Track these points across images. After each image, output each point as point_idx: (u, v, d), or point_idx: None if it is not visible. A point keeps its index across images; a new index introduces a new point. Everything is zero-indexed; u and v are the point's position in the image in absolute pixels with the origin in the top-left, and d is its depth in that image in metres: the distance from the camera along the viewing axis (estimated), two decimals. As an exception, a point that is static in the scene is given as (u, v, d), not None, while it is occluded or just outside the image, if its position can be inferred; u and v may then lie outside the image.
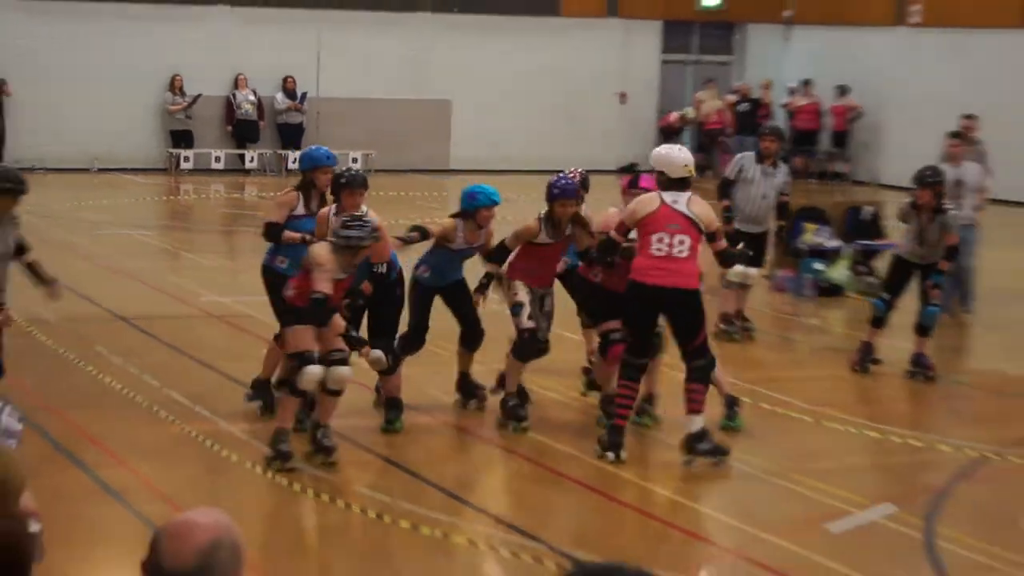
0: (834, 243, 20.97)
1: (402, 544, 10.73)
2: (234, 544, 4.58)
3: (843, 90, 37.08)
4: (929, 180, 16.01)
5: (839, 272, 20.54)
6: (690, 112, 37.78)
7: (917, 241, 16.16)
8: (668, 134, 36.58)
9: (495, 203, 13.49)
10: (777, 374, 16.48)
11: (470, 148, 36.01)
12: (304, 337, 11.85)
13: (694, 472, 12.25)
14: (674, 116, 37.71)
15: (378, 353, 12.61)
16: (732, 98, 37.25)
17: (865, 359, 15.93)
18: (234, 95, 34.42)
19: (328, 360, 11.91)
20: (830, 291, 20.48)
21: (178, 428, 12.99)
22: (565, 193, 13.22)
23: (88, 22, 33.22)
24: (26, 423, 7.05)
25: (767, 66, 39.20)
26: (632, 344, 12.63)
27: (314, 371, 11.79)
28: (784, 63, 39.47)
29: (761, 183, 17.18)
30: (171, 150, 33.99)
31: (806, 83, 37.53)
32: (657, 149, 13.35)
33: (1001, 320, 19.56)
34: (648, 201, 12.53)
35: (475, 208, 13.40)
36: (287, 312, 12.15)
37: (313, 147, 14.09)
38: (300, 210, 13.13)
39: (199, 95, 33.75)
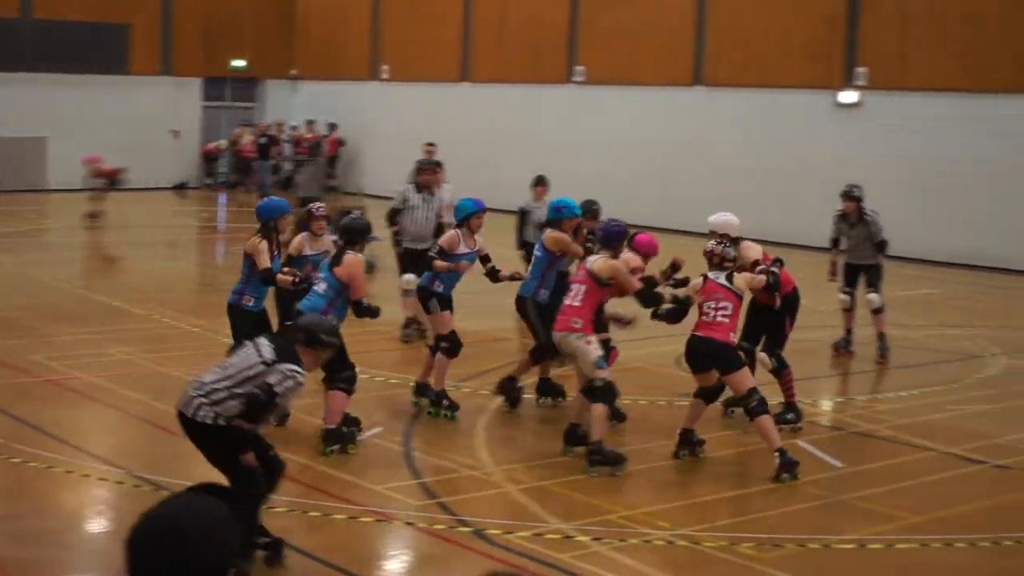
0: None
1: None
2: None
3: (333, 126, 38.05)
4: (854, 194, 15.61)
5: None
6: (223, 143, 38.28)
7: (852, 244, 15.91)
8: (209, 159, 38.64)
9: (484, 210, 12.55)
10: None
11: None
12: None
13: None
14: (212, 145, 38.50)
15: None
16: (255, 133, 37.52)
17: None
18: None
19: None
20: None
21: None
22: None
23: None
24: None
25: (280, 110, 39.75)
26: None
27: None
28: (292, 107, 39.94)
29: (423, 208, 16.14)
30: None
31: (309, 122, 38.08)
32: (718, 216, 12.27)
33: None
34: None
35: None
36: None
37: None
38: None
39: None
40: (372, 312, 11.13)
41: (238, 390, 7.92)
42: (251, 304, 11.67)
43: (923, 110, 27.02)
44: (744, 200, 29.34)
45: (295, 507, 9.44)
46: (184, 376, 11.95)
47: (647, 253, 12.11)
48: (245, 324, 11.33)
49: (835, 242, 16.37)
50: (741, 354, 11.38)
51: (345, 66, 39.34)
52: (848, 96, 28.32)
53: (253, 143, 37.01)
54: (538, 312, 12.57)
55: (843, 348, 16.29)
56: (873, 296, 15.94)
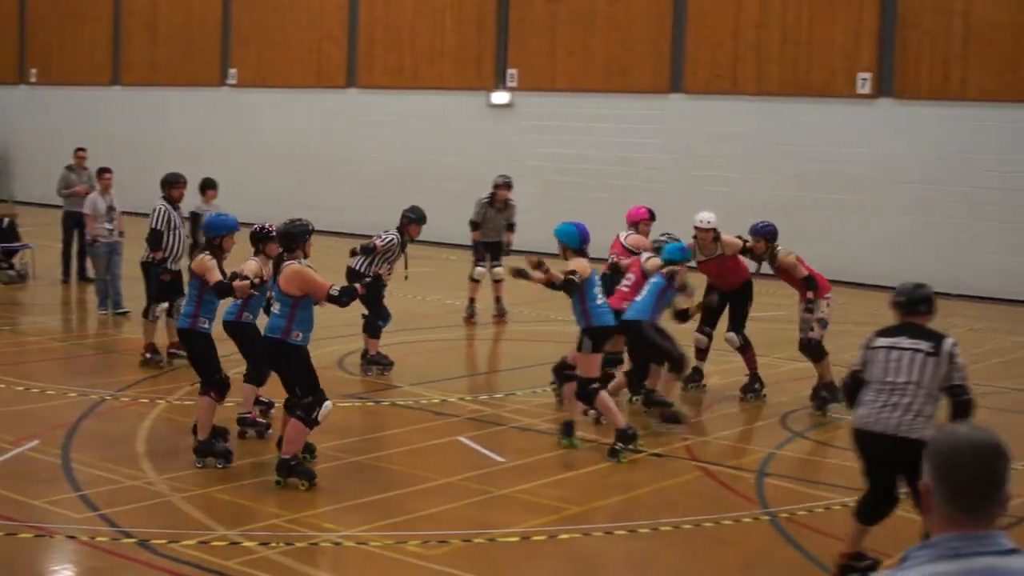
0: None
1: None
2: None
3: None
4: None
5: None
6: None
7: (490, 226, 18.63)
8: None
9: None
10: None
11: None
12: None
13: None
14: None
15: None
16: None
17: None
18: None
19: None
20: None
21: None
22: None
23: None
24: None
25: None
26: None
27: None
28: None
29: (180, 226, 15.36)
30: None
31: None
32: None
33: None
34: None
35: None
36: None
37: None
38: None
39: None
40: (350, 293, 10.60)
41: None
42: (206, 326, 11.16)
43: (570, 110, 27.94)
44: (395, 201, 29.53)
45: (-54, 528, 8.97)
46: None
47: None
48: (202, 346, 11.07)
49: (476, 225, 18.92)
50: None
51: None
52: (500, 97, 28.94)
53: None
54: (656, 330, 12.79)
55: (469, 316, 18.85)
56: (498, 269, 18.67)
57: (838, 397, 12.94)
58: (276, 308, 10.45)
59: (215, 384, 11.03)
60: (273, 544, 8.91)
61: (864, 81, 24.69)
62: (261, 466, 11.00)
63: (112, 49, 35.65)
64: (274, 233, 11.13)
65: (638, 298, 12.80)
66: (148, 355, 15.04)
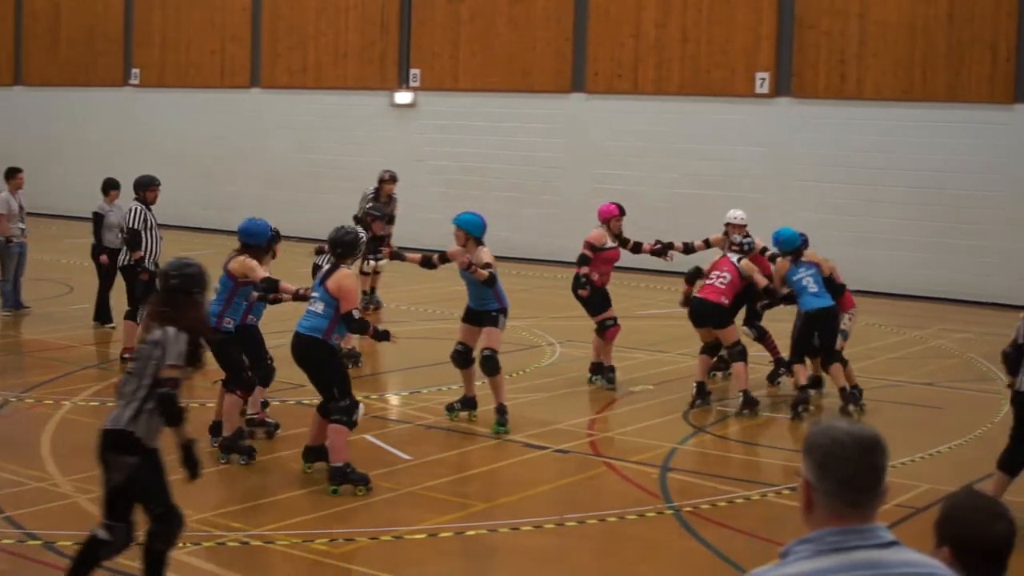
0: None
1: None
2: None
3: None
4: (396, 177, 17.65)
5: None
6: None
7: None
8: None
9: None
10: None
11: None
12: None
13: None
14: None
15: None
16: None
17: None
18: None
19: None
20: None
21: None
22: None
23: None
24: None
25: None
26: None
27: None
28: None
29: (156, 228, 15.58)
30: None
31: None
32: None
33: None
34: None
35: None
36: None
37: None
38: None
39: None
40: (363, 326, 10.54)
41: None
42: (229, 326, 11.25)
43: (473, 110, 28.05)
44: (299, 202, 29.57)
45: None
46: None
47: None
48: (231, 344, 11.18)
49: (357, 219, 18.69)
50: None
51: None
52: (403, 97, 28.96)
53: None
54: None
55: (363, 307, 18.09)
56: (380, 263, 18.42)
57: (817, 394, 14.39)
58: (319, 308, 10.44)
59: (242, 382, 11.18)
60: (180, 544, 8.89)
61: (763, 81, 25.02)
62: (167, 465, 10.93)
63: (14, 50, 35.18)
64: (279, 235, 11.87)
65: (816, 289, 13.60)
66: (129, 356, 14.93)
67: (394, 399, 14.26)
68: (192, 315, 7.48)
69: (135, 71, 33.10)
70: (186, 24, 32.15)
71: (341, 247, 10.67)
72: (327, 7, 30.01)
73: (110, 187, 17.15)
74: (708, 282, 13.76)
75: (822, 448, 3.33)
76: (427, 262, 12.88)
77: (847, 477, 3.31)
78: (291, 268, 24.24)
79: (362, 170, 28.58)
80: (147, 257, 15.43)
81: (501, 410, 12.46)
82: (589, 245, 14.39)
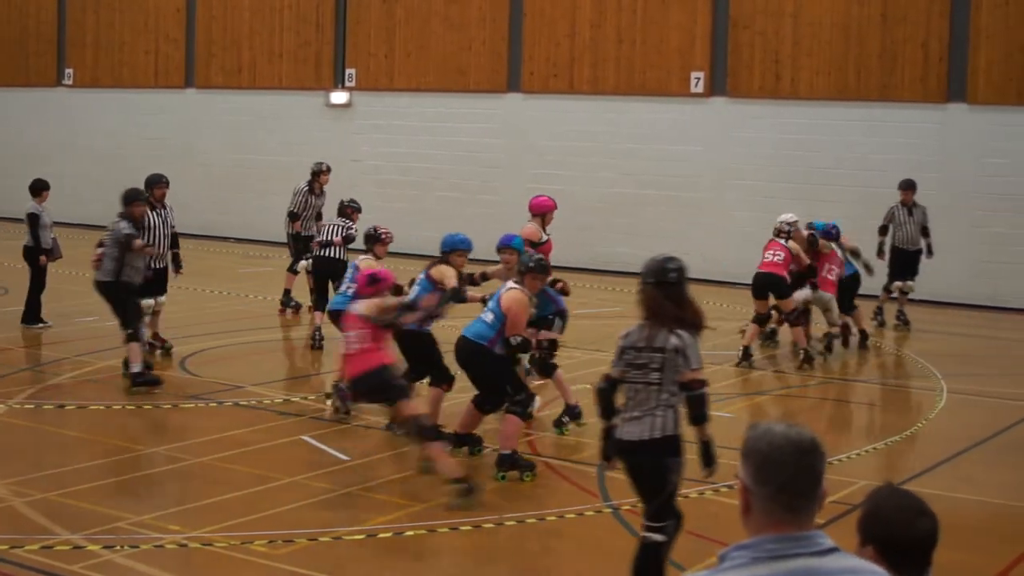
0: None
1: None
2: None
3: None
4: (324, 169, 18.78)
5: None
6: None
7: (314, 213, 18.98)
8: None
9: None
10: None
11: None
12: None
13: None
14: None
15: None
16: None
17: None
18: None
19: None
20: None
21: None
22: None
23: None
24: None
25: None
26: None
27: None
28: None
29: (161, 225, 15.28)
30: None
31: None
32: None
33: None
34: None
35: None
36: None
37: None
38: None
39: None
40: (523, 347, 11.17)
41: None
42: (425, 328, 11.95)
43: (409, 109, 28.04)
44: (232, 200, 29.46)
45: None
46: None
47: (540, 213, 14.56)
48: (427, 343, 11.95)
49: (296, 216, 19.06)
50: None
51: None
52: (339, 97, 28.89)
53: None
54: None
55: (288, 305, 19.13)
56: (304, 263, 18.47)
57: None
58: (488, 318, 11.07)
59: (446, 377, 11.85)
60: (118, 547, 8.82)
61: (697, 80, 25.15)
62: (103, 468, 10.87)
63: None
64: (387, 236, 13.36)
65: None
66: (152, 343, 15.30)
67: (329, 400, 14.20)
68: (688, 309, 7.87)
69: (69, 71, 32.82)
70: (120, 24, 31.91)
71: (535, 269, 11.28)
72: (262, 7, 29.89)
73: (41, 188, 17.12)
74: (765, 259, 16.38)
75: (760, 454, 3.28)
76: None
77: (785, 481, 3.26)
78: (230, 267, 24.18)
79: (297, 170, 28.49)
80: (152, 256, 14.97)
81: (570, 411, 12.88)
82: (528, 242, 14.39)
